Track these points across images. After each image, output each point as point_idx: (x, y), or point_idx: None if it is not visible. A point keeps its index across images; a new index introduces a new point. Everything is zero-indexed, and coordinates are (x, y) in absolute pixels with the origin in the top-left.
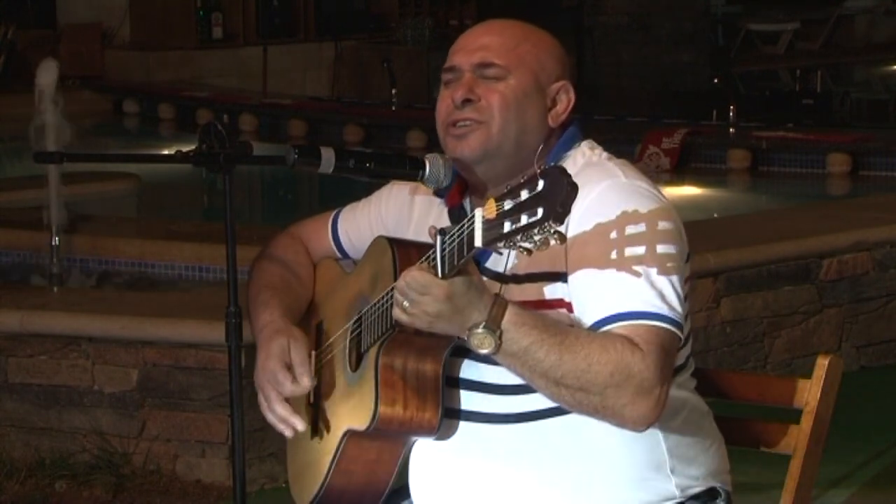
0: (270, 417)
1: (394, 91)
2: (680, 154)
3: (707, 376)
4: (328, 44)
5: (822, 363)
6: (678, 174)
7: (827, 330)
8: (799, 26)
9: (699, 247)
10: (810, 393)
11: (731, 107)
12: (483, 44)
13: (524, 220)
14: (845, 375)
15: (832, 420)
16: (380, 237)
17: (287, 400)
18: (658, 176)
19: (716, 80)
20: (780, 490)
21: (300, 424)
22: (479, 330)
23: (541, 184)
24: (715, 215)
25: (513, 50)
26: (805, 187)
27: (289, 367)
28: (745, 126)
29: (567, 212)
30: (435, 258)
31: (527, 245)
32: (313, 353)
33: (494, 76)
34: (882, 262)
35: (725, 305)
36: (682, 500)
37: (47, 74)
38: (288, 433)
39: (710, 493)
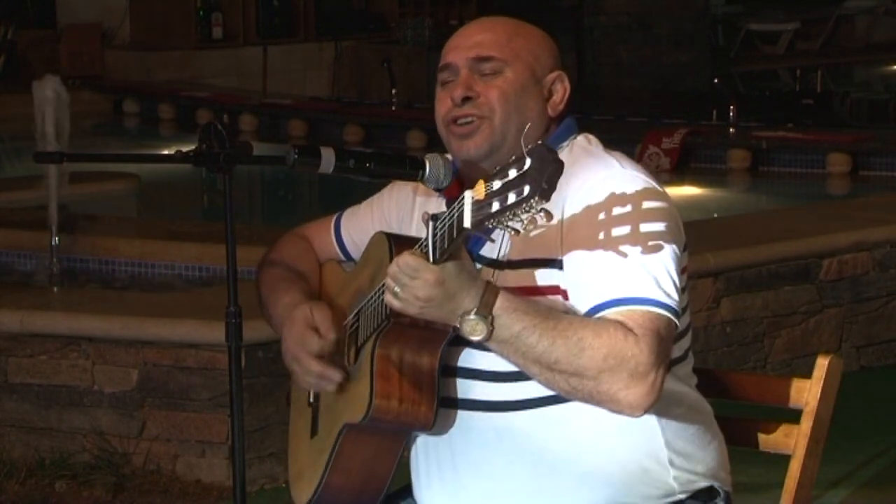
0: (308, 380)
1: (394, 91)
2: (680, 154)
3: (707, 376)
4: (328, 44)
5: (822, 363)
6: (678, 174)
7: (827, 330)
8: (799, 26)
9: (699, 247)
10: (810, 393)
11: (731, 107)
12: (477, 41)
13: (511, 198)
14: (845, 375)
15: (832, 420)
16: (378, 233)
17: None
18: (658, 176)
19: (716, 80)
20: (780, 490)
21: (337, 375)
22: (471, 316)
23: (527, 162)
24: (715, 215)
25: (507, 44)
26: (805, 187)
27: (314, 329)
28: (745, 126)
29: (552, 188)
30: (427, 244)
31: (515, 225)
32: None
33: (491, 71)
34: (882, 262)
35: (725, 305)
36: (682, 497)
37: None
38: (330, 388)
39: (709, 493)
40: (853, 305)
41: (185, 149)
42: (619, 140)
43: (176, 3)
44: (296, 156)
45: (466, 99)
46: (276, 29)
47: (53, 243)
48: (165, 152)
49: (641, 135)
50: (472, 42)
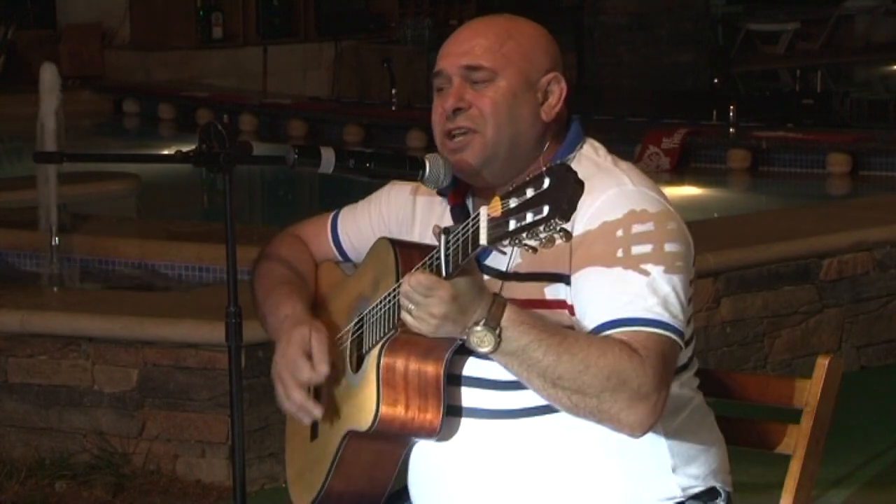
0: (287, 405)
1: (394, 91)
2: (680, 154)
3: (707, 376)
4: (328, 44)
5: (822, 363)
6: (678, 174)
7: (827, 330)
8: (799, 26)
9: (699, 247)
10: (810, 393)
11: (731, 107)
12: (468, 48)
13: (529, 217)
14: (845, 375)
15: (832, 420)
16: (382, 239)
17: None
18: (658, 176)
19: (716, 80)
20: (780, 490)
21: (317, 411)
22: (479, 328)
23: (546, 181)
24: (715, 215)
25: (498, 50)
26: (805, 187)
27: (308, 356)
28: (745, 126)
29: (573, 209)
30: (439, 258)
31: (532, 243)
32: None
33: (483, 80)
34: (882, 262)
35: (725, 305)
36: (683, 499)
37: (49, 77)
38: (306, 421)
39: (711, 493)
40: (853, 305)
41: (185, 149)
42: (619, 140)
43: (176, 3)
44: (296, 156)
45: (458, 110)
46: (276, 29)
47: (53, 243)
48: (165, 152)
49: (641, 135)
50: (463, 49)
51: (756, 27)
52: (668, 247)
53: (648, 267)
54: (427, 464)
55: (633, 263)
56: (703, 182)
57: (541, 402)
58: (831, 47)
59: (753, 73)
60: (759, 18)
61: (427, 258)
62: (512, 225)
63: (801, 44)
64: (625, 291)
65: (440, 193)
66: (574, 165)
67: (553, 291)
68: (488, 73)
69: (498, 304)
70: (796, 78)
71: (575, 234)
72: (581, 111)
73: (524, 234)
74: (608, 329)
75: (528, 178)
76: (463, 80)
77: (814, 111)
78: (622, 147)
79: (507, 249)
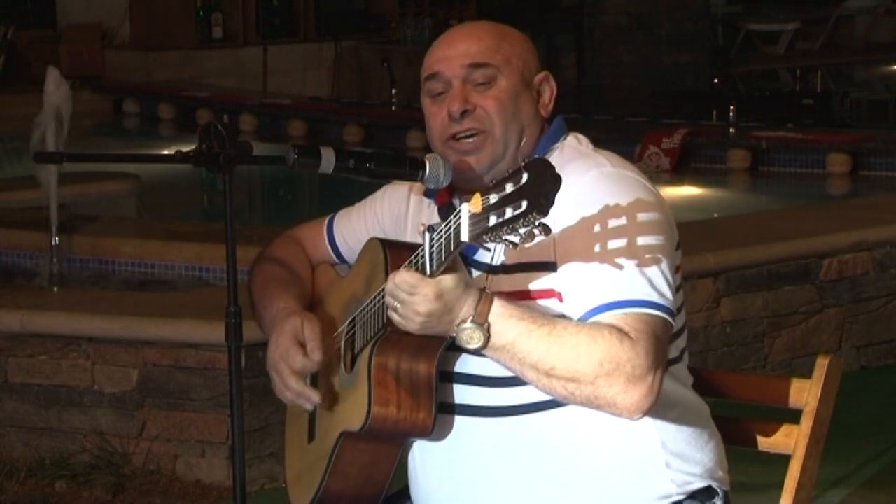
0: (286, 395)
1: (394, 91)
2: (680, 154)
3: (707, 376)
4: (328, 44)
5: (822, 363)
6: (678, 174)
7: (827, 330)
8: (799, 26)
9: (699, 247)
10: (810, 393)
11: (731, 107)
12: (464, 50)
13: (509, 213)
14: (845, 375)
15: (832, 420)
16: (372, 239)
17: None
18: (658, 176)
19: (716, 80)
20: (780, 490)
21: (315, 396)
22: (467, 325)
23: (525, 176)
24: (715, 215)
25: (497, 51)
26: (805, 187)
27: (300, 345)
28: (745, 126)
29: (550, 203)
30: (423, 256)
31: (512, 238)
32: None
33: (485, 80)
34: (882, 262)
35: (725, 305)
36: (680, 497)
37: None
38: (308, 407)
39: (708, 493)
40: (853, 305)
41: (185, 149)
42: (619, 140)
43: (176, 3)
44: (296, 156)
45: (464, 112)
46: (276, 29)
47: (53, 243)
48: (165, 152)
49: (641, 135)
50: (460, 51)
51: (756, 27)
52: (642, 240)
53: (623, 261)
54: (424, 462)
55: (609, 258)
56: (703, 182)
57: (533, 398)
58: (831, 47)
59: (753, 73)
60: (759, 18)
61: (412, 256)
62: (492, 220)
63: (801, 44)
64: (611, 274)
65: (427, 195)
66: (557, 154)
67: (540, 281)
68: (492, 71)
69: (485, 299)
70: (796, 78)
71: (557, 223)
72: (581, 111)
73: (504, 229)
74: (597, 314)
75: (508, 174)
76: (464, 83)
77: (814, 111)
78: (622, 147)
79: (491, 245)
